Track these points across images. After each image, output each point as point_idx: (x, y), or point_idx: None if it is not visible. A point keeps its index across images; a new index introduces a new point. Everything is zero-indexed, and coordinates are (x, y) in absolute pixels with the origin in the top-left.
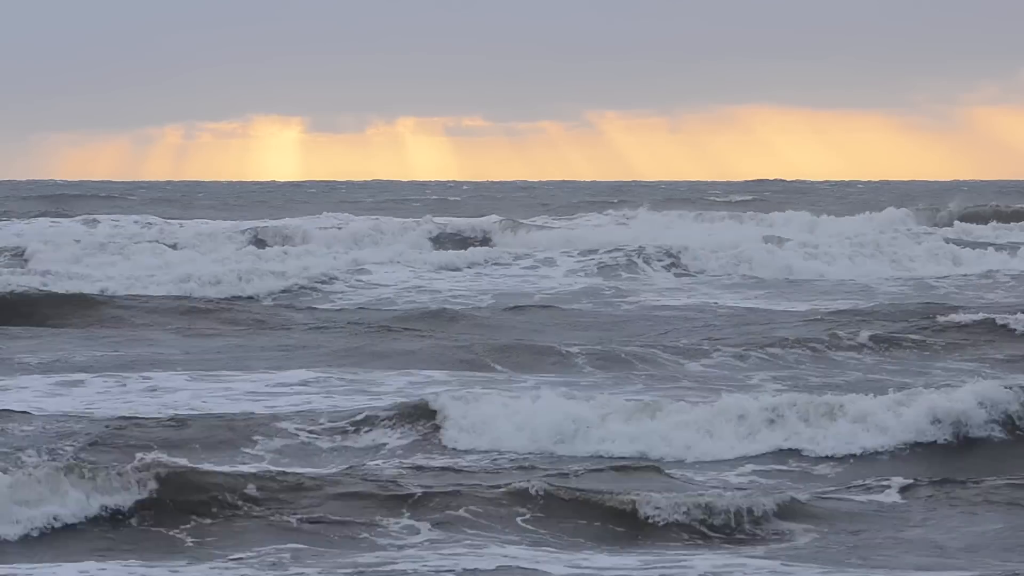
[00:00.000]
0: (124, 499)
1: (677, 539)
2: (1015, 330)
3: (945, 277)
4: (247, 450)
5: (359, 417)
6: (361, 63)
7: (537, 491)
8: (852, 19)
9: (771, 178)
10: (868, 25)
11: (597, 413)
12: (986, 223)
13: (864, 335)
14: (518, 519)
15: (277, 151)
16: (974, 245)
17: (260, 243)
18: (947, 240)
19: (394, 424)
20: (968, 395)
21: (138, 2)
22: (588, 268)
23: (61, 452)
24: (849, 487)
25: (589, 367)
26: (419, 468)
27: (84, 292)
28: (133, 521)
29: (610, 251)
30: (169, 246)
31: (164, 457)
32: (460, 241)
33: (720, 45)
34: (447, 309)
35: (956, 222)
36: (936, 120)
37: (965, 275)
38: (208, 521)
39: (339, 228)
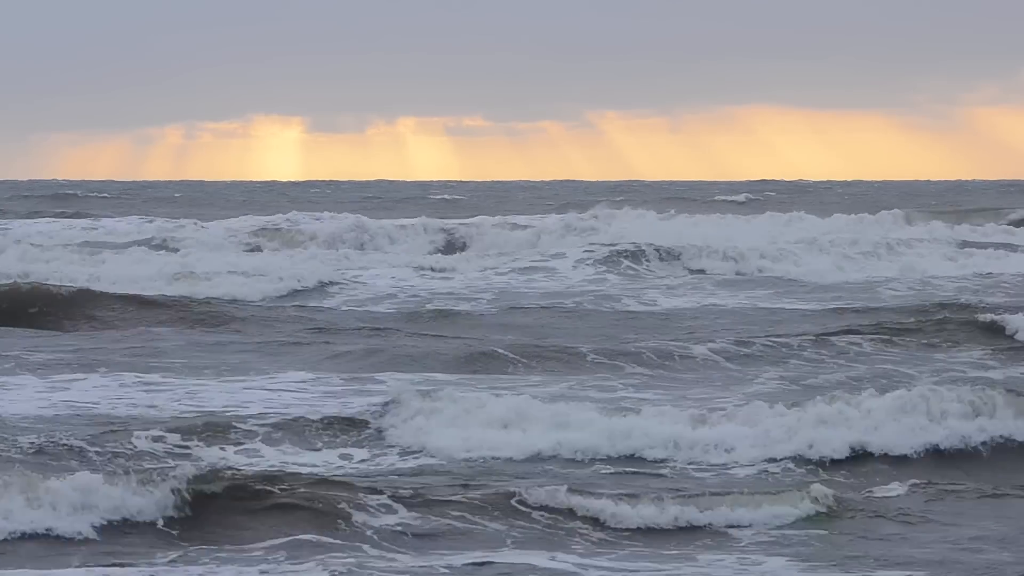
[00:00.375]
0: (137, 502)
1: (671, 538)
2: (1008, 328)
3: (948, 277)
4: (237, 449)
5: (342, 416)
6: (361, 63)
7: (521, 493)
8: (852, 19)
9: (771, 178)
10: (868, 25)
11: (569, 414)
12: (989, 224)
13: (867, 332)
14: (501, 519)
15: (278, 151)
16: (978, 246)
17: (260, 243)
18: (956, 243)
19: (373, 423)
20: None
21: (138, 2)
22: (593, 267)
23: (58, 452)
24: (854, 487)
25: (591, 366)
26: (399, 467)
27: (83, 289)
28: (155, 524)
29: (614, 250)
30: (169, 247)
31: (185, 460)
32: (463, 241)
33: (720, 45)
34: (451, 309)
35: (961, 223)
36: (936, 120)
37: (968, 275)
38: (212, 519)
39: (340, 229)
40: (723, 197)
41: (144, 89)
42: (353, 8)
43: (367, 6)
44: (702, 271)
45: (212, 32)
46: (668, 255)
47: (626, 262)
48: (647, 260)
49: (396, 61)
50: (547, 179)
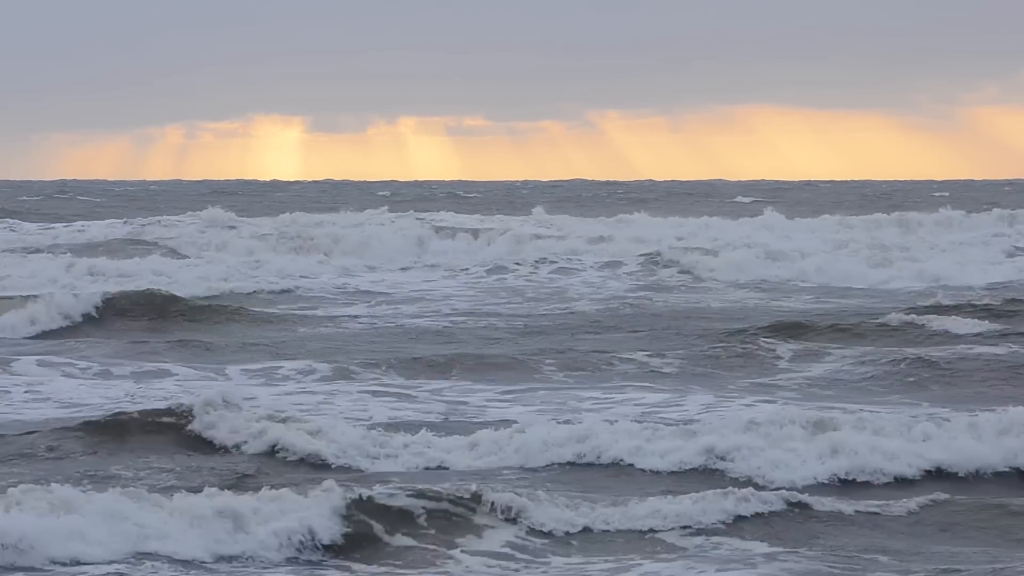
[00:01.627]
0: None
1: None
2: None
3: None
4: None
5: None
6: (361, 63)
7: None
8: (852, 19)
9: (772, 179)
10: (868, 25)
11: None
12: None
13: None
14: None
15: (278, 151)
16: None
17: (260, 243)
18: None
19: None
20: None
21: (138, 2)
22: (598, 270)
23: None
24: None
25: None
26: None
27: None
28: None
29: (621, 251)
30: (169, 247)
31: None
32: (464, 241)
33: (720, 45)
34: (449, 310)
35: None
36: (936, 120)
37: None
38: None
39: (339, 229)
40: (745, 198)
41: (144, 89)
42: (353, 8)
43: (367, 6)
44: (712, 274)
45: (212, 32)
46: (679, 261)
47: (638, 265)
48: (661, 264)
49: (396, 61)
50: (548, 179)
